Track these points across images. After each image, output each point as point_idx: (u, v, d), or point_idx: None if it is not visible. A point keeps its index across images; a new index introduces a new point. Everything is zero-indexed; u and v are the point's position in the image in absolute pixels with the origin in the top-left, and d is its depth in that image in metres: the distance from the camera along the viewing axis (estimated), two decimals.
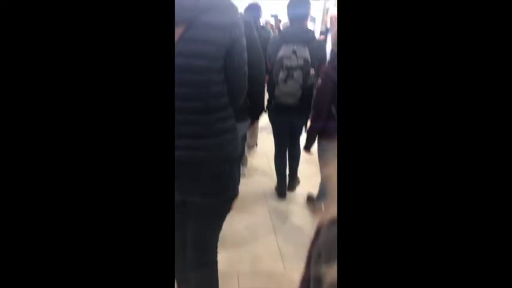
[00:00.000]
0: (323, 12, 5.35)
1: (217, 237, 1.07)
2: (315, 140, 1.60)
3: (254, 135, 2.95)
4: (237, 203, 1.05)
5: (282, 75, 1.59)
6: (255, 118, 1.50)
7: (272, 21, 4.73)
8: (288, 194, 2.22)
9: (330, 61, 1.53)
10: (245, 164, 2.43)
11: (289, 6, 1.65)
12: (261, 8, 2.17)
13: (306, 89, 1.64)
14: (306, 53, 1.58)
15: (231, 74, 0.85)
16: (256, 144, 3.04)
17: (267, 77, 1.54)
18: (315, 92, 1.51)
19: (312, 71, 1.61)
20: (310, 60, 1.57)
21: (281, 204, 2.17)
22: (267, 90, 1.72)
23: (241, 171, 2.07)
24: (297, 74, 1.58)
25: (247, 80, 0.91)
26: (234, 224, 1.78)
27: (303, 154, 1.92)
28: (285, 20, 2.97)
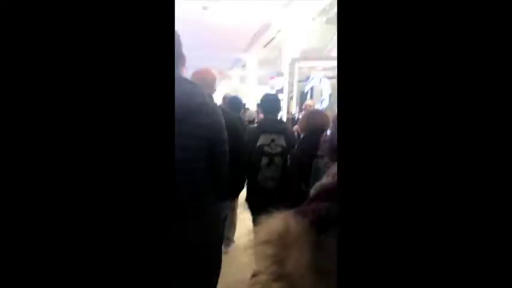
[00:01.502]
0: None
1: None
2: None
3: (233, 227, 2.76)
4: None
5: (264, 161, 1.73)
6: (235, 196, 1.72)
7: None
8: None
9: (299, 145, 1.73)
10: (228, 244, 2.54)
11: (262, 102, 1.92)
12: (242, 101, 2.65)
13: (285, 174, 1.80)
14: (282, 141, 1.76)
15: (213, 163, 0.99)
16: (234, 241, 2.78)
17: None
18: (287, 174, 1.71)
19: (288, 157, 1.79)
20: (286, 147, 1.76)
21: None
22: (248, 176, 1.85)
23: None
24: (277, 160, 1.74)
25: (227, 168, 1.04)
26: None
27: None
28: None
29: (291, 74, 6.15)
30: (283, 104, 6.80)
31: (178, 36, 0.91)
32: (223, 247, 1.40)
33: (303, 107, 3.48)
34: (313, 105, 3.41)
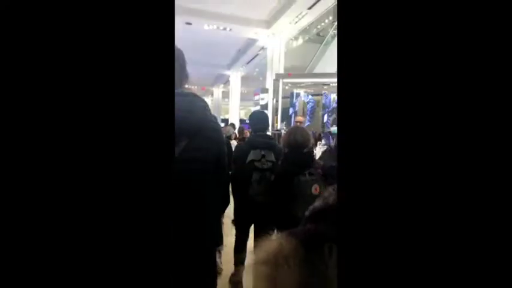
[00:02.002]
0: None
1: None
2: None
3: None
4: None
5: (255, 176, 1.74)
6: (223, 211, 1.75)
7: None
8: None
9: (282, 161, 1.77)
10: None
11: (252, 119, 1.96)
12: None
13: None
14: (272, 156, 1.79)
15: (218, 173, 1.06)
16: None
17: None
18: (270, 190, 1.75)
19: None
20: (276, 163, 1.79)
21: None
22: (238, 190, 1.90)
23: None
24: (268, 175, 1.76)
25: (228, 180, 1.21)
26: None
27: None
28: None
29: (276, 90, 6.19)
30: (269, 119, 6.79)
31: (183, 55, 0.98)
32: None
33: (293, 123, 3.45)
34: (303, 122, 3.37)
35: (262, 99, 7.00)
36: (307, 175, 1.54)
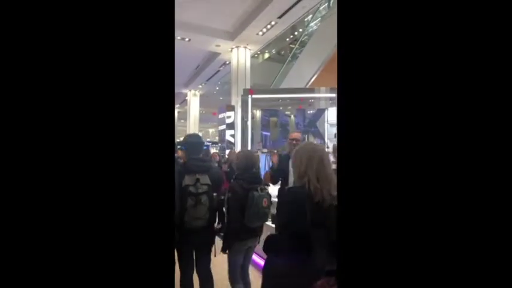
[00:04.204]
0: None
1: None
2: (229, 242, 1.88)
3: None
4: None
5: (190, 201, 1.80)
6: None
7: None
8: None
9: (235, 178, 1.97)
10: None
11: (185, 143, 2.00)
12: None
13: (213, 211, 1.89)
14: (207, 179, 1.85)
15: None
16: None
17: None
18: (226, 204, 1.88)
19: (214, 194, 1.90)
20: (211, 185, 1.86)
21: None
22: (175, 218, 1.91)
23: None
24: (204, 199, 1.83)
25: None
26: None
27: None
28: None
29: (244, 108, 5.46)
30: (237, 139, 6.01)
31: None
32: None
33: (289, 139, 2.69)
34: (299, 138, 2.61)
35: (229, 117, 6.22)
36: (259, 191, 1.80)
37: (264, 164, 4.19)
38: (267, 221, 1.88)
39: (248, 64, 6.48)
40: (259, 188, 1.81)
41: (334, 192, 1.24)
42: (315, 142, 4.65)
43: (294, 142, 2.54)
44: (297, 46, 8.53)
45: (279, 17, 5.25)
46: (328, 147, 4.79)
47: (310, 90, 5.91)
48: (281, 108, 6.62)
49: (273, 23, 5.41)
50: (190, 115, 10.52)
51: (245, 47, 6.35)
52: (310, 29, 8.23)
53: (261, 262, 2.29)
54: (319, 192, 1.21)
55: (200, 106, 10.64)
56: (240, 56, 6.40)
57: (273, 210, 1.79)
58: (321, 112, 5.36)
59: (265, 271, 1.33)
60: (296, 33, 9.29)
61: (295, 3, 4.74)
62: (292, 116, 5.95)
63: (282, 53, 10.05)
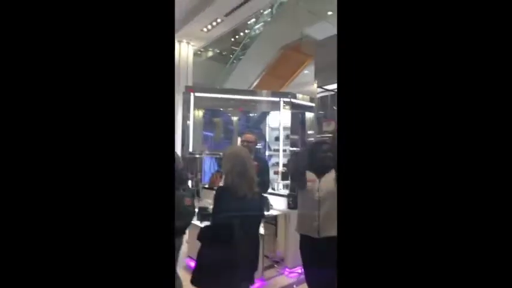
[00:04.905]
0: None
1: None
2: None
3: None
4: None
5: None
6: None
7: None
8: None
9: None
10: None
11: None
12: None
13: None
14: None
15: None
16: None
17: None
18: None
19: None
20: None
21: None
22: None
23: None
24: None
25: None
26: None
27: None
28: None
29: (186, 105, 5.13)
30: (177, 138, 5.62)
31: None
32: None
33: (241, 140, 2.55)
34: (252, 140, 2.48)
35: None
36: (181, 190, 1.85)
37: (209, 167, 3.98)
38: (191, 220, 1.93)
39: (191, 61, 6.15)
40: (182, 189, 1.88)
41: (256, 189, 1.60)
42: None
43: (245, 144, 2.42)
44: (239, 48, 8.49)
45: (226, 15, 5.10)
46: (270, 149, 4.82)
47: (254, 92, 5.89)
48: (222, 109, 6.44)
49: (218, 20, 5.23)
50: None
51: (188, 43, 6.01)
52: (253, 33, 8.28)
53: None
54: (242, 189, 1.51)
55: None
56: (182, 52, 6.04)
57: None
58: (264, 115, 5.38)
59: (197, 259, 1.58)
60: (237, 36, 9.27)
61: (244, 2, 4.65)
62: (235, 118, 5.83)
63: (224, 53, 9.91)
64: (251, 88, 6.86)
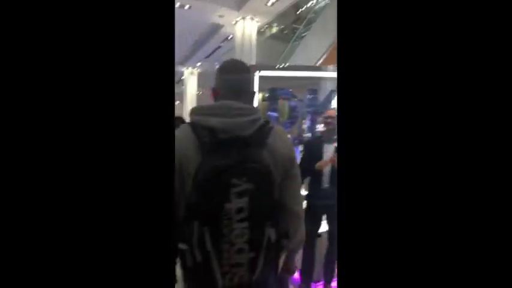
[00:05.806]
0: None
1: None
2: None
3: None
4: None
5: None
6: None
7: None
8: None
9: None
10: None
11: None
12: None
13: None
14: None
15: None
16: None
17: None
18: None
19: None
20: None
21: None
22: None
23: None
24: None
25: None
26: None
27: None
28: None
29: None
30: None
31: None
32: None
33: (323, 117, 2.23)
34: (335, 115, 2.13)
35: None
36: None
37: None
38: None
39: (254, 38, 5.88)
40: None
41: None
42: None
43: (329, 120, 2.08)
44: (303, 24, 7.95)
45: None
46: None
47: (323, 68, 5.43)
48: (287, 89, 6.08)
49: None
50: (187, 96, 9.88)
51: (252, 19, 5.73)
52: (318, 6, 7.65)
53: None
54: None
55: (198, 86, 10.00)
56: (246, 29, 5.79)
57: None
58: (333, 93, 4.92)
59: None
60: (302, 9, 8.69)
61: None
62: (299, 98, 5.45)
63: (286, 32, 9.45)
64: (318, 65, 6.37)
